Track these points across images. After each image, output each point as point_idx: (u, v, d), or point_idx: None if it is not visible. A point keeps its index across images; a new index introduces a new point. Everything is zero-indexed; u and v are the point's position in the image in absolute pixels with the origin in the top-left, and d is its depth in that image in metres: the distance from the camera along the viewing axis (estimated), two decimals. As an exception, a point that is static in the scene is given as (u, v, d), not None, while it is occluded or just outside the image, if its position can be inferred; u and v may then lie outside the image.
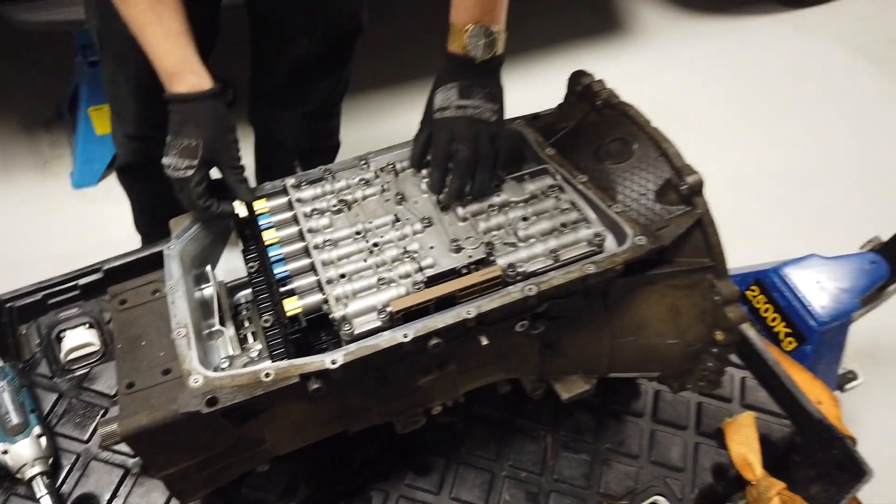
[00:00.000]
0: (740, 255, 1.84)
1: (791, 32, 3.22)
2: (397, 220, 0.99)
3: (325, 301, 0.88)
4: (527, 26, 3.04)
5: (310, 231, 0.97)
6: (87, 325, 1.22)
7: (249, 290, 1.02)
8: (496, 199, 1.01)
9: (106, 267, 1.27)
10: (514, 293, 0.88)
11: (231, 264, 1.04)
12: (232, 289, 1.03)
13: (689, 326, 1.00)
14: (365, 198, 1.03)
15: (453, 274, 0.92)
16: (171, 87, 0.97)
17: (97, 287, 1.27)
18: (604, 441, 1.21)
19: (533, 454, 1.18)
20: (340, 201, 1.01)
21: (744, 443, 1.23)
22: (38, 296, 1.24)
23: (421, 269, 0.92)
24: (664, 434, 1.24)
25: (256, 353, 0.92)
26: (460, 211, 0.99)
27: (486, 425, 1.20)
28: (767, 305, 1.54)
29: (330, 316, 0.86)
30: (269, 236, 0.98)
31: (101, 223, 2.01)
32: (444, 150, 0.98)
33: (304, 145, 1.59)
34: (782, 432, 1.26)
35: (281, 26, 1.37)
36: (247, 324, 0.99)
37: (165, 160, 0.96)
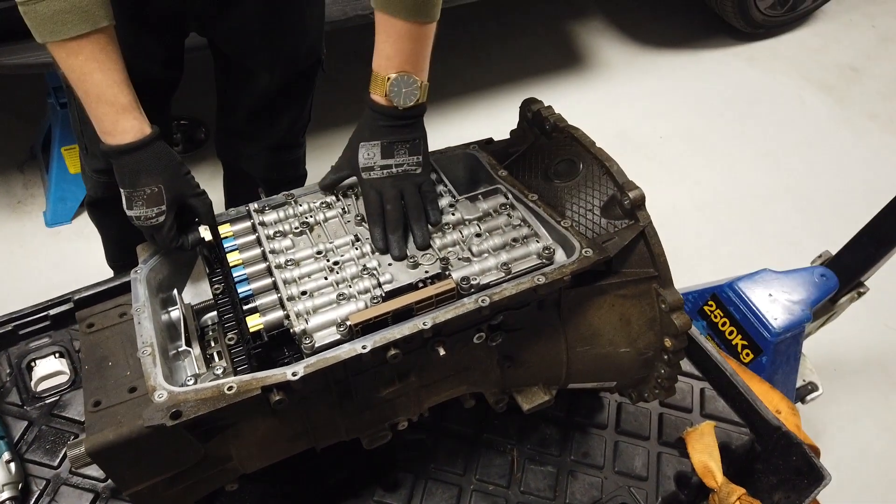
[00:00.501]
0: (701, 274, 1.91)
1: (744, 64, 3.38)
2: (357, 239, 1.04)
3: (287, 317, 0.91)
4: (491, 63, 3.17)
5: (272, 252, 1.01)
6: (58, 354, 1.24)
7: (215, 312, 1.05)
8: (451, 218, 1.06)
9: (76, 297, 1.28)
10: (468, 304, 0.93)
11: (198, 289, 1.08)
12: (199, 311, 1.06)
13: (640, 334, 1.05)
14: (326, 220, 1.07)
15: (410, 288, 0.96)
16: (115, 137, 0.96)
17: (67, 317, 1.30)
18: (569, 453, 1.25)
19: (500, 468, 1.21)
20: (302, 223, 1.05)
21: (704, 451, 1.27)
22: (9, 327, 1.25)
23: (380, 285, 0.96)
24: (627, 445, 1.28)
25: (221, 370, 0.94)
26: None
27: (454, 440, 1.23)
28: (724, 319, 1.60)
29: (291, 331, 0.90)
30: (233, 258, 1.01)
31: (75, 259, 2.04)
32: (377, 210, 1.03)
33: (271, 176, 1.63)
34: (742, 440, 1.31)
35: (243, 63, 1.42)
36: (213, 344, 1.02)
37: (132, 213, 0.97)
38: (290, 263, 0.99)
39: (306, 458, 1.05)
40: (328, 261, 1.00)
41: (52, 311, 1.29)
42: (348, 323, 0.90)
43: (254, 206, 1.09)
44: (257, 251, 1.02)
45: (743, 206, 2.63)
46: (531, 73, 3.14)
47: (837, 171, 2.81)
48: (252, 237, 1.05)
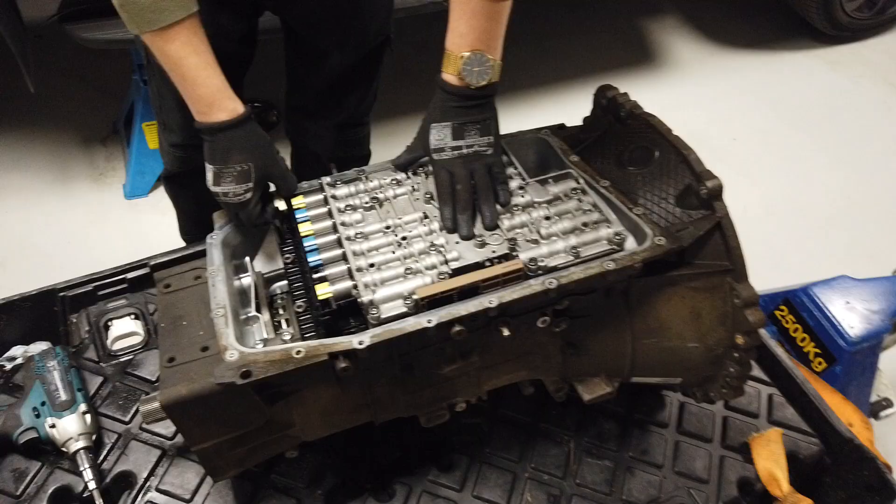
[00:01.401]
0: (772, 279, 1.84)
1: (826, 68, 3.23)
2: (426, 217, 1.04)
3: (355, 287, 0.93)
4: (560, 56, 3.13)
5: (342, 224, 1.02)
6: (133, 316, 1.29)
7: (285, 282, 1.07)
8: (520, 200, 1.05)
9: (152, 262, 1.34)
10: (534, 286, 0.92)
11: (268, 258, 1.11)
12: (268, 280, 1.09)
13: (710, 330, 1.01)
14: (396, 196, 1.08)
15: (477, 267, 0.96)
16: (210, 115, 0.99)
17: (143, 281, 1.35)
18: (627, 449, 1.22)
19: (556, 458, 1.19)
20: (372, 199, 1.06)
21: (770, 458, 1.22)
22: (89, 287, 1.32)
23: (446, 262, 0.96)
24: (689, 445, 1.24)
25: (289, 336, 0.97)
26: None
27: (510, 427, 1.22)
28: (796, 325, 1.54)
29: (359, 300, 0.91)
30: (304, 228, 1.03)
31: (150, 231, 2.12)
32: (447, 189, 1.03)
33: (337, 154, 1.66)
34: (810, 451, 1.25)
35: (314, 42, 1.45)
36: (281, 311, 1.04)
37: (218, 188, 1.00)
38: (359, 236, 1.00)
39: (362, 432, 1.06)
40: (396, 235, 1.00)
41: (130, 275, 1.35)
42: (415, 297, 0.90)
43: (326, 179, 1.11)
44: (328, 223, 1.04)
45: (819, 212, 2.52)
46: (600, 68, 3.09)
47: (923, 180, 2.66)
48: (323, 209, 1.07)
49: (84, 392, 1.13)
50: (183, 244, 1.80)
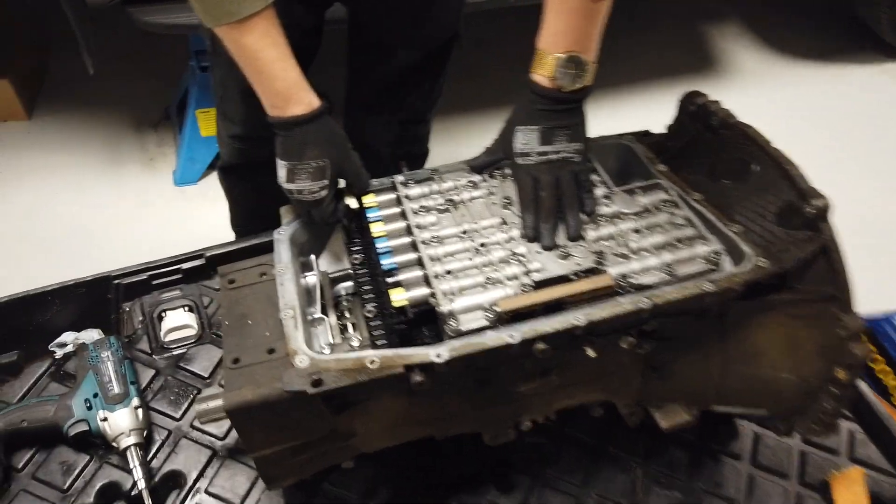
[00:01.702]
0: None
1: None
2: (504, 223, 0.98)
3: (432, 295, 0.87)
4: (619, 62, 3.03)
5: (417, 227, 0.96)
6: (187, 308, 1.26)
7: (350, 283, 1.02)
8: (606, 210, 0.98)
9: (208, 254, 1.31)
10: (625, 304, 0.85)
11: (333, 257, 1.06)
12: (333, 280, 1.03)
13: (807, 360, 0.93)
14: (472, 199, 1.02)
15: (561, 280, 0.89)
16: (286, 110, 0.94)
17: (198, 272, 1.31)
18: (698, 480, 1.14)
19: (622, 485, 1.12)
20: (448, 201, 1.01)
21: (852, 500, 1.14)
22: (144, 276, 1.28)
23: (528, 273, 0.90)
24: (764, 480, 1.16)
25: (357, 342, 0.91)
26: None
27: (575, 449, 1.15)
28: (877, 357, 1.44)
29: (437, 310, 0.85)
30: (377, 229, 0.98)
31: (199, 219, 2.10)
32: (530, 196, 0.96)
33: (395, 151, 1.61)
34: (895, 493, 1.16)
35: (380, 37, 1.40)
36: (347, 315, 0.99)
37: (292, 186, 0.95)
38: (434, 240, 0.95)
39: (420, 445, 1.01)
40: (473, 241, 0.94)
41: (185, 266, 1.31)
42: (497, 309, 0.84)
43: (399, 178, 1.05)
44: (401, 224, 0.98)
45: (890, 233, 2.39)
46: (658, 73, 2.99)
47: None
48: (396, 209, 1.01)
49: (137, 385, 1.10)
50: (230, 233, 1.79)
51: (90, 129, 2.38)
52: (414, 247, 0.94)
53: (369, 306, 0.92)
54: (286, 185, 0.96)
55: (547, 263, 0.91)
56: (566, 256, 0.92)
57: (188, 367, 1.18)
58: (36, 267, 1.92)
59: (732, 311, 0.92)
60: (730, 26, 3.33)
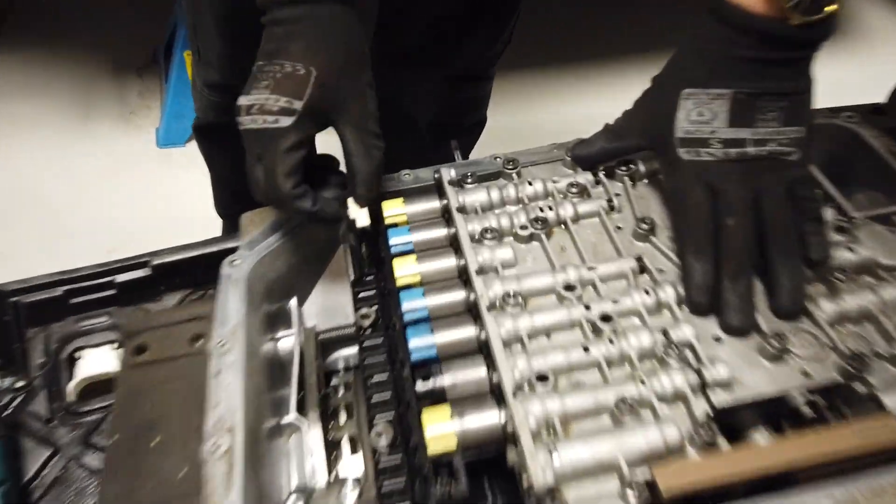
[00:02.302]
0: None
1: None
2: (643, 269, 0.52)
3: (509, 437, 0.43)
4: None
5: (480, 270, 0.52)
6: (116, 346, 0.84)
7: (355, 350, 0.59)
8: (847, 257, 0.52)
9: (155, 262, 0.88)
10: (919, 479, 0.40)
11: (332, 301, 0.62)
12: (327, 344, 0.60)
13: None
14: (578, 218, 0.57)
15: (775, 408, 0.44)
16: None
17: (141, 287, 0.89)
18: None
19: None
20: (535, 221, 0.55)
21: None
22: (57, 291, 0.85)
23: (705, 387, 0.45)
24: None
25: (354, 489, 0.48)
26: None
27: None
28: None
29: (522, 481, 0.41)
30: (404, 269, 0.54)
31: (182, 193, 1.68)
32: (701, 223, 0.51)
33: (442, 119, 1.16)
34: None
35: None
36: (342, 417, 0.56)
37: (245, 99, 0.57)
38: (512, 301, 0.50)
39: None
40: (588, 308, 0.49)
41: (121, 277, 0.88)
42: (646, 480, 0.39)
43: (449, 171, 0.60)
44: (450, 263, 0.54)
45: None
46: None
47: None
48: (440, 232, 0.57)
49: (8, 485, 0.68)
50: (220, 221, 1.39)
51: (58, 73, 1.98)
52: (473, 312, 0.50)
53: (380, 424, 0.48)
54: (238, 102, 0.57)
55: (740, 367, 0.46)
56: (780, 354, 0.46)
57: (104, 446, 0.77)
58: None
59: None
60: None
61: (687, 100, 0.52)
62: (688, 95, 0.52)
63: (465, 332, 0.49)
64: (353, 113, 0.57)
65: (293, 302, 0.61)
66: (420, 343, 0.48)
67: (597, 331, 0.48)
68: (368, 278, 0.59)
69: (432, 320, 0.50)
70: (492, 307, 0.49)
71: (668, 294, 0.50)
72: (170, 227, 1.59)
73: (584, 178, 0.60)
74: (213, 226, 1.38)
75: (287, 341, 0.60)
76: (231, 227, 1.38)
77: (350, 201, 0.57)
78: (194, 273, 0.81)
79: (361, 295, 0.58)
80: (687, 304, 0.49)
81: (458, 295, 0.51)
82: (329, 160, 0.63)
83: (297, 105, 0.54)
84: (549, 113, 1.80)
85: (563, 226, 0.56)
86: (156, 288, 0.91)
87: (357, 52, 0.57)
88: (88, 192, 1.72)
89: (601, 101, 1.71)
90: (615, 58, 2.01)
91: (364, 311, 0.56)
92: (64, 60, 2.03)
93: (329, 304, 0.66)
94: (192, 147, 1.82)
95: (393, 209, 0.58)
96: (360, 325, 0.55)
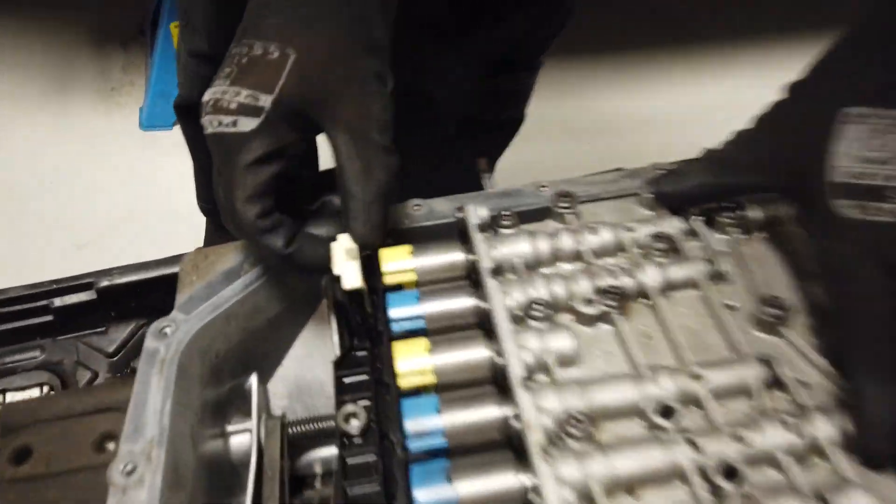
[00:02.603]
0: None
1: None
2: (777, 381, 0.35)
3: None
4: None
5: (528, 373, 0.34)
6: (48, 389, 0.69)
7: (335, 450, 0.42)
8: None
9: (101, 284, 0.73)
10: None
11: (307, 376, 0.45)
12: (299, 439, 0.43)
13: None
14: (668, 288, 0.39)
15: None
16: None
17: (82, 314, 0.74)
18: None
19: None
20: (606, 293, 0.38)
21: None
22: (-23, 317, 0.70)
23: None
24: None
25: None
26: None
27: None
28: None
29: None
30: (410, 361, 0.36)
31: (166, 182, 1.54)
32: (888, 331, 0.33)
33: (473, 112, 0.99)
34: None
35: None
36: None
37: (207, 93, 0.46)
38: (579, 428, 0.32)
39: None
40: (697, 450, 0.31)
41: (59, 301, 0.73)
42: None
43: (476, 211, 0.42)
44: (479, 353, 0.36)
45: None
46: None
47: None
48: (465, 302, 0.39)
49: None
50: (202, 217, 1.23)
51: (32, 41, 1.86)
52: (515, 445, 0.32)
53: None
54: (204, 97, 0.45)
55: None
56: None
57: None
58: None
59: None
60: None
61: (851, 125, 0.34)
62: (854, 118, 0.34)
63: (504, 482, 0.31)
64: (347, 115, 0.41)
65: (253, 379, 0.44)
66: (432, 497, 0.30)
67: (717, 492, 0.30)
68: (360, 353, 0.42)
69: (452, 455, 0.32)
70: (563, 436, 0.31)
71: (822, 430, 0.32)
72: (151, 221, 1.44)
73: (671, 224, 0.42)
74: (201, 221, 1.24)
75: (242, 438, 0.43)
76: (215, 226, 1.23)
77: (342, 238, 0.40)
78: (151, 297, 0.68)
79: (348, 380, 0.40)
80: (858, 452, 0.32)
81: (490, 413, 0.34)
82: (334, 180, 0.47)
83: (265, 101, 0.41)
84: (598, 104, 1.56)
85: (644, 299, 0.39)
86: (103, 314, 0.76)
87: (361, 31, 0.41)
88: (60, 176, 1.57)
89: (666, 94, 1.38)
90: (693, 42, 1.73)
91: (350, 408, 0.39)
92: (39, 27, 1.88)
93: (306, 378, 0.49)
94: (180, 131, 1.67)
95: (396, 262, 0.40)
96: (344, 431, 0.38)
